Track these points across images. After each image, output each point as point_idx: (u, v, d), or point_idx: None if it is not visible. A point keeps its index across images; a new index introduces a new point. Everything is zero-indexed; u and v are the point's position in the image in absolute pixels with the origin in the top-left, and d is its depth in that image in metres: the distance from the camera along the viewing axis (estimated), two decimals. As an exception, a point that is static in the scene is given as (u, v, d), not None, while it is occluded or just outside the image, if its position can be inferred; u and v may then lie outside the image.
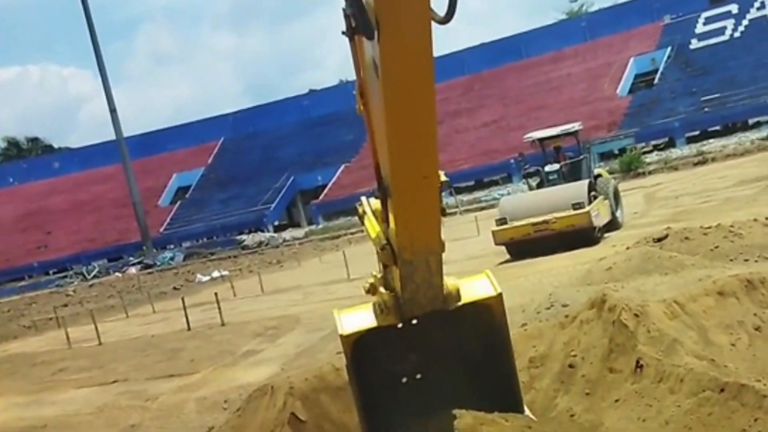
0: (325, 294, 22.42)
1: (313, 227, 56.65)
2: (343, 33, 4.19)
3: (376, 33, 3.75)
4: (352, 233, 46.88)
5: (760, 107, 48.87)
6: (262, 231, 57.47)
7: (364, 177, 60.86)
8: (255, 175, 66.37)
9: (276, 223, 62.03)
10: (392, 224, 4.49)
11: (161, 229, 64.67)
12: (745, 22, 58.88)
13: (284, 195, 63.37)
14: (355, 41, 4.19)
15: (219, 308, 19.70)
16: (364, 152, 65.28)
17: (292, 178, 64.02)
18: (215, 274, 36.82)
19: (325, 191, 61.17)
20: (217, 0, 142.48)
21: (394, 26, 3.66)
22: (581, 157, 22.78)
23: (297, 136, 68.75)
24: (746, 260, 12.73)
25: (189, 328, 19.55)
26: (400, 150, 3.99)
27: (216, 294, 20.71)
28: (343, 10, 4.03)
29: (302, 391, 7.57)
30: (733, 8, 60.39)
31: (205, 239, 60.76)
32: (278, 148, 68.52)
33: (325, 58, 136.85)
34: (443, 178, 4.45)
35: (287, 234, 55.53)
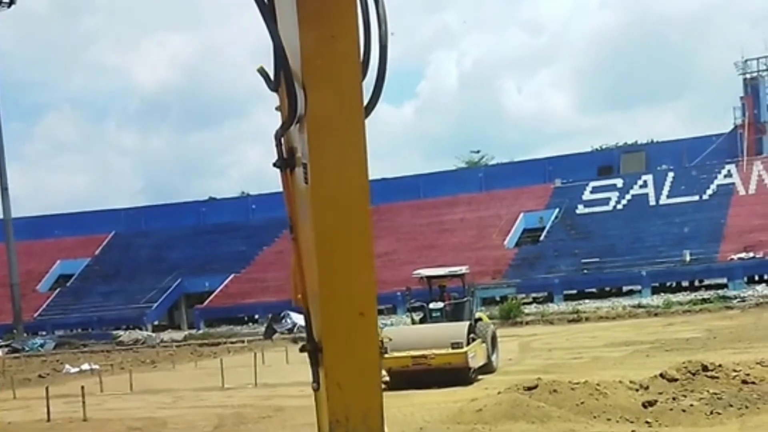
0: (196, 400, 22.20)
1: (193, 331, 55.83)
2: (274, 165, 3.99)
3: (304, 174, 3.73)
4: (232, 342, 46.46)
5: (633, 277, 51.72)
6: (140, 329, 56.24)
7: (252, 289, 60.81)
8: (141, 272, 65.48)
9: (156, 322, 60.87)
10: (323, 386, 3.84)
11: (35, 314, 62.54)
12: (628, 197, 62.74)
13: (168, 296, 62.53)
14: (286, 173, 3.98)
15: (83, 402, 19.26)
16: (254, 264, 65.45)
17: (179, 281, 63.36)
18: (85, 366, 35.74)
19: (211, 298, 60.69)
20: (126, 98, 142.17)
21: (324, 166, 3.61)
22: (465, 299, 23.82)
23: (190, 240, 68.48)
24: (608, 419, 13.70)
25: (48, 419, 19.07)
26: (333, 282, 3.67)
27: (82, 387, 20.25)
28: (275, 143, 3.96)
29: None
30: (618, 182, 64.45)
31: (79, 330, 59.06)
32: (169, 249, 68.02)
33: (229, 168, 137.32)
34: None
35: (166, 335, 54.46)
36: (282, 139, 3.90)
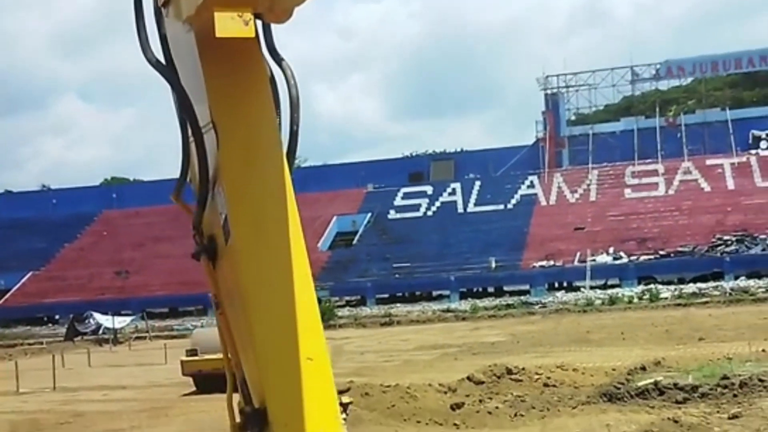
0: (-13, 405, 20.95)
1: (-16, 333, 52.39)
2: (193, 255, 3.74)
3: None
4: (30, 344, 44.08)
5: (442, 281, 53.24)
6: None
7: (52, 287, 57.90)
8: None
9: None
10: None
11: None
12: (437, 203, 64.58)
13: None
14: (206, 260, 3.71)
15: None
16: (55, 262, 62.37)
17: (-38, 279, 59.39)
18: None
19: (7, 296, 57.30)
20: None
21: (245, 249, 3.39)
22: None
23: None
24: (418, 422, 13.88)
25: None
26: (272, 330, 3.40)
27: None
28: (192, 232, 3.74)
29: None
30: (429, 189, 66.21)
31: None
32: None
33: (27, 162, 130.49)
34: (345, 399, 3.73)
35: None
36: (201, 228, 3.65)
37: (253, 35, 3.26)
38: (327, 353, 3.50)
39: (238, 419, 3.59)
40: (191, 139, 3.51)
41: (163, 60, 3.53)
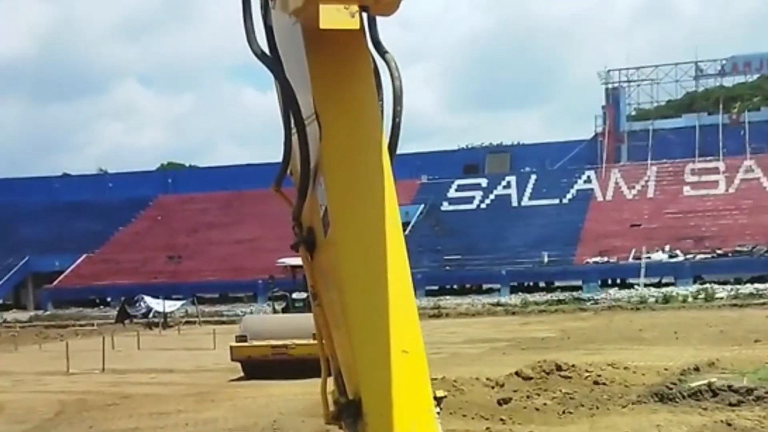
0: (37, 385, 21.30)
1: (39, 312, 53.45)
2: (293, 247, 3.85)
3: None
4: (81, 325, 44.74)
5: (493, 275, 52.82)
6: (-17, 307, 53.55)
7: (105, 270, 58.80)
8: (-14, 248, 62.17)
9: (0, 301, 58.06)
10: None
11: None
12: (491, 196, 64.06)
13: (15, 274, 59.73)
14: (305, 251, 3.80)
15: None
16: (109, 245, 63.34)
17: (26, 258, 60.56)
18: (-77, 342, 33.72)
19: (61, 278, 58.31)
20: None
21: (346, 238, 3.43)
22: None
23: (41, 217, 65.47)
24: (464, 416, 13.64)
25: None
26: (369, 321, 3.41)
27: None
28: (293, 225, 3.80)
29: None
30: (483, 182, 65.70)
31: None
32: (17, 226, 64.78)
33: (85, 146, 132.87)
34: (440, 393, 3.62)
35: (9, 315, 51.99)
36: (300, 220, 3.76)
37: (358, 27, 3.30)
38: (423, 346, 3.47)
39: (332, 408, 3.63)
40: (294, 130, 3.52)
41: (267, 51, 3.53)
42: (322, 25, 3.16)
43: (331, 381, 3.77)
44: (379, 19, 3.52)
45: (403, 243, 3.52)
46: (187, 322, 43.96)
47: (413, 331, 3.48)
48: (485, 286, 54.64)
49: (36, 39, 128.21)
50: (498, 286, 52.71)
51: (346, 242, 3.41)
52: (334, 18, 3.18)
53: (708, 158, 62.25)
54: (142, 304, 45.21)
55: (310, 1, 3.14)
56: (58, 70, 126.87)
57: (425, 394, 3.42)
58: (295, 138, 3.53)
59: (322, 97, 3.45)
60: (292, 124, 3.51)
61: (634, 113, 72.46)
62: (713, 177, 60.67)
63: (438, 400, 3.54)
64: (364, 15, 3.40)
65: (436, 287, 53.43)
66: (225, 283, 55.61)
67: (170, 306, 44.90)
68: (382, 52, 3.60)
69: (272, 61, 3.52)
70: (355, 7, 3.22)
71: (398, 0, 3.24)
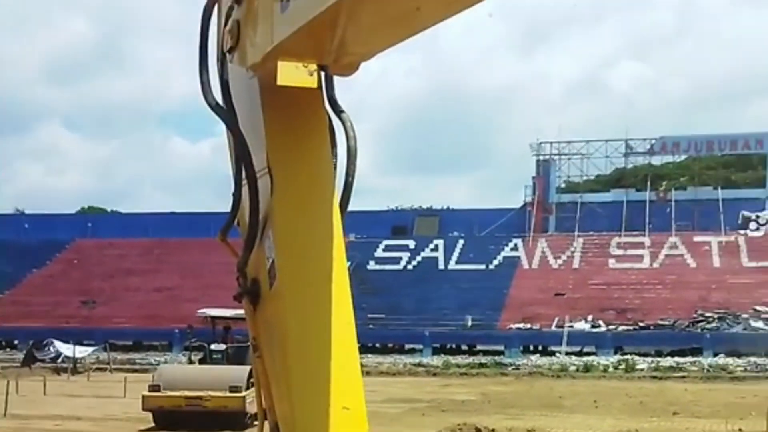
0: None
1: (-61, 354, 50.89)
2: (235, 297, 3.81)
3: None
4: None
5: (416, 335, 52.42)
6: None
7: (14, 312, 56.66)
8: None
9: None
10: None
11: None
12: (419, 258, 63.96)
13: None
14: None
15: None
16: (21, 286, 61.25)
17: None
18: None
19: (-33, 318, 55.83)
20: None
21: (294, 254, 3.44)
22: (248, 342, 22.85)
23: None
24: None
25: None
26: (309, 376, 3.42)
27: None
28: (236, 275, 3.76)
29: None
30: (411, 243, 65.65)
31: None
32: None
33: (4, 184, 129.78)
34: None
35: None
36: (245, 270, 3.67)
37: (315, 85, 3.37)
38: (364, 404, 3.47)
39: None
40: (245, 182, 3.51)
41: (222, 103, 3.54)
42: (280, 82, 3.22)
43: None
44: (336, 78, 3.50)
45: (349, 300, 3.54)
46: (98, 369, 42.60)
47: (355, 387, 3.49)
48: (408, 346, 54.15)
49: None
50: (420, 346, 52.27)
51: (292, 296, 3.41)
52: (292, 75, 3.25)
53: (634, 233, 63.23)
54: (51, 348, 43.74)
55: (269, 57, 3.16)
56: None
57: None
58: (245, 190, 3.52)
59: (276, 152, 3.46)
60: (243, 177, 3.50)
61: (563, 185, 73.57)
62: (638, 251, 61.56)
63: None
64: (322, 73, 3.42)
65: (358, 345, 52.53)
66: (140, 330, 54.21)
67: (81, 351, 43.43)
68: (338, 111, 3.59)
69: (226, 113, 3.52)
70: (313, 66, 3.29)
71: (357, 62, 3.21)
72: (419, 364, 46.01)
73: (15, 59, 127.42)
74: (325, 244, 3.52)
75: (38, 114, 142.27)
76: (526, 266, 61.97)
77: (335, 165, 3.63)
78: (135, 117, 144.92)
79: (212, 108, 3.51)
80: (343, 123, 3.58)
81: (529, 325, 52.48)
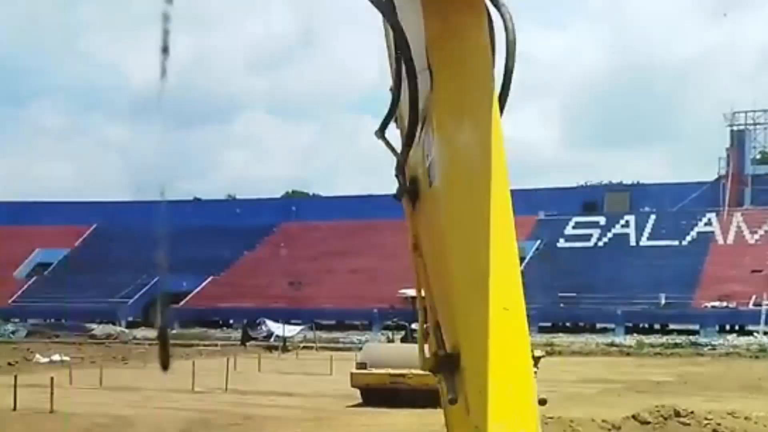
0: (165, 401, 22.07)
1: (166, 331, 55.55)
2: (395, 196, 3.83)
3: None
4: (205, 345, 46.15)
5: (608, 314, 52.16)
6: (114, 324, 56.12)
7: (228, 293, 60.73)
8: (119, 267, 65.00)
9: (130, 318, 60.73)
10: (461, 396, 3.36)
11: (10, 300, 62.47)
12: (609, 235, 63.25)
13: (145, 293, 62.37)
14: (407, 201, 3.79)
15: (51, 394, 19.13)
16: (234, 268, 65.38)
17: (156, 278, 63.06)
18: (56, 357, 35.49)
19: (187, 298, 60.56)
20: (116, 92, 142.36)
21: (456, 153, 3.39)
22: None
23: (172, 238, 67.70)
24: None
25: (15, 408, 19.07)
26: (470, 276, 3.33)
27: (52, 378, 19.98)
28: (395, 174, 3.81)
29: None
30: (602, 220, 64.93)
31: (53, 320, 58.92)
32: (149, 247, 67.43)
33: (211, 171, 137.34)
34: (538, 353, 3.64)
35: (139, 332, 54.21)
36: (405, 168, 3.76)
37: None
38: (523, 305, 3.41)
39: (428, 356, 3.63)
40: (404, 78, 3.50)
41: None
42: None
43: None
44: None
45: (508, 199, 3.43)
46: (304, 347, 44.71)
47: (514, 288, 3.39)
48: (599, 326, 53.89)
49: (174, 68, 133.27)
50: (612, 326, 51.99)
51: (451, 194, 3.35)
52: None
53: (836, 204, 59.98)
54: (263, 327, 46.31)
55: None
56: (190, 99, 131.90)
57: (524, 352, 3.33)
58: (405, 86, 3.51)
59: (435, 47, 3.41)
60: (403, 72, 3.47)
61: (759, 156, 70.44)
62: (842, 223, 58.37)
63: (536, 360, 3.59)
64: None
65: (549, 324, 53.07)
66: (342, 310, 56.78)
67: (290, 330, 45.78)
68: (497, 4, 3.52)
69: (387, 7, 3.50)
70: None
71: None
72: (612, 344, 45.55)
73: (219, 52, 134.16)
74: (485, 140, 3.39)
75: (242, 103, 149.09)
76: (720, 242, 60.07)
77: (494, 59, 3.54)
78: (332, 102, 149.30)
79: (373, 2, 3.46)
80: (503, 16, 3.50)
81: (724, 304, 51.01)
